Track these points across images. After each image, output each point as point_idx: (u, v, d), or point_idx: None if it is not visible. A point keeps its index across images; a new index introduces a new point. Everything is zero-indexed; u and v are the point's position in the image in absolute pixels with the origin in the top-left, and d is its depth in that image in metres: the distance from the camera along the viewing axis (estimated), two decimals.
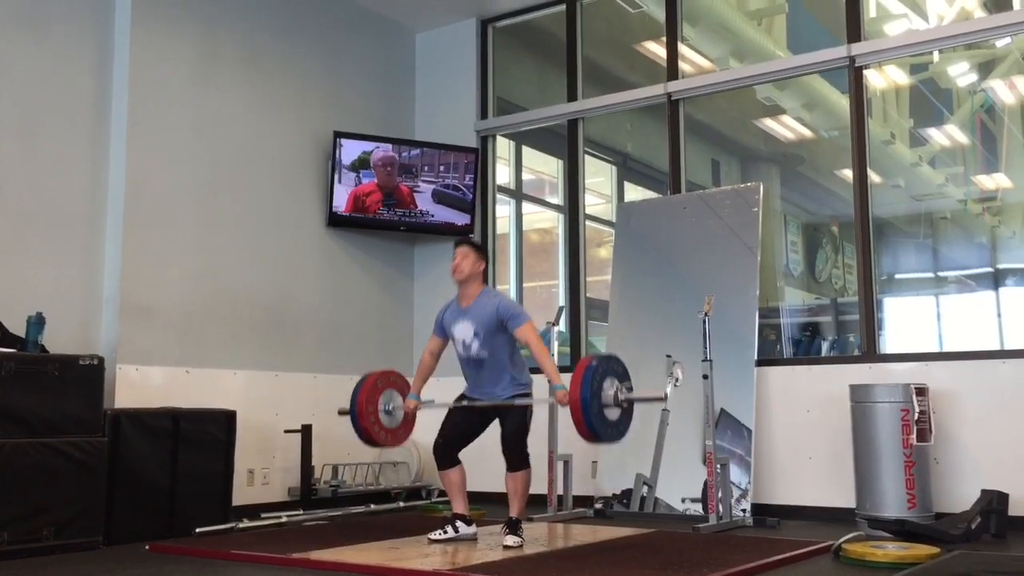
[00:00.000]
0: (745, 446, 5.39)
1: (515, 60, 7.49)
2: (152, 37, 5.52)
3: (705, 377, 5.06)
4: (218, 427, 5.05)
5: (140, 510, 4.66)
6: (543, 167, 8.21)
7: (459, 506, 4.49)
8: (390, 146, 6.65)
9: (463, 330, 4.47)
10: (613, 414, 4.16)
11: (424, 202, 6.70)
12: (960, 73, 6.97)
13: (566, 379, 4.18)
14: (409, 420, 4.83)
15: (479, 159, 6.90)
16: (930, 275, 7.20)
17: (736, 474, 5.30)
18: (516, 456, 4.37)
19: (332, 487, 5.94)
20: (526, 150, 7.85)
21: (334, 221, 6.46)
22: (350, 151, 6.48)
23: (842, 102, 6.07)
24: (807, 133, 7.53)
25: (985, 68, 6.81)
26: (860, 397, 5.00)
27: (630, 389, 4.22)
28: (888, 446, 4.84)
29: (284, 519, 5.27)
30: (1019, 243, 7.09)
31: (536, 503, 5.03)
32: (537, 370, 4.43)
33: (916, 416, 4.81)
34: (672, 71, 6.40)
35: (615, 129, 7.84)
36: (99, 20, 5.42)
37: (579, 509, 5.65)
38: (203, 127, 5.77)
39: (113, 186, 5.35)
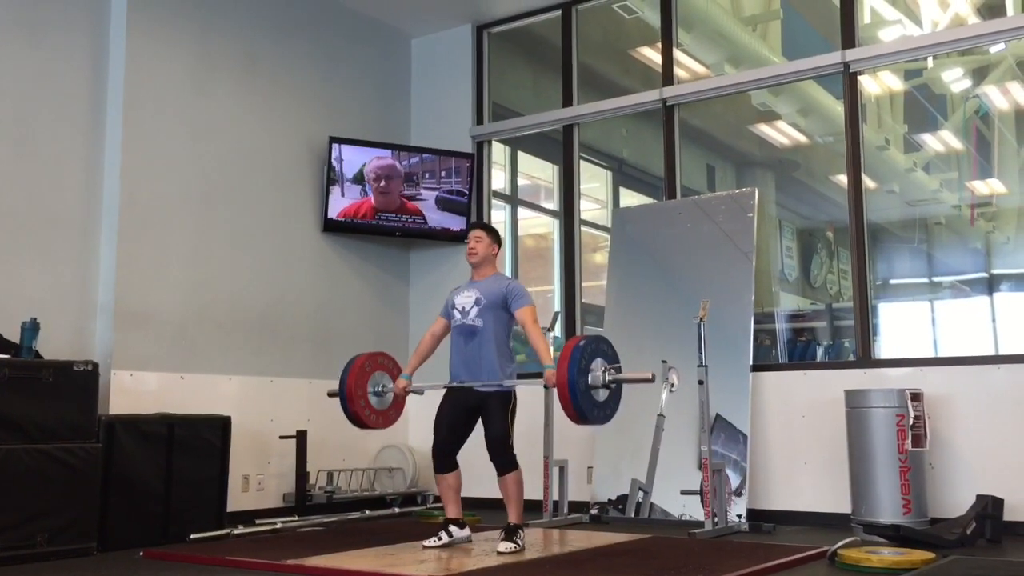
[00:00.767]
0: (740, 451, 5.40)
1: (511, 66, 7.50)
2: (147, 42, 5.52)
3: (700, 382, 5.06)
4: (213, 433, 5.04)
5: (134, 516, 4.65)
6: (539, 172, 8.22)
7: (452, 511, 4.49)
8: (389, 154, 6.65)
9: (465, 298, 4.52)
10: (601, 395, 4.16)
11: (428, 209, 6.71)
12: (954, 79, 6.98)
13: None
14: (399, 401, 4.84)
15: (474, 164, 6.91)
16: (925, 280, 7.20)
17: (732, 479, 5.29)
18: (502, 460, 4.37)
19: (327, 493, 5.93)
20: (522, 155, 7.86)
21: (329, 226, 6.45)
22: (352, 162, 6.47)
23: (837, 108, 6.09)
24: (802, 139, 7.54)
25: (979, 74, 6.83)
26: (855, 402, 5.01)
27: (619, 371, 4.22)
28: (883, 451, 4.84)
29: (279, 525, 5.26)
30: (1013, 248, 7.10)
31: (531, 509, 5.03)
32: (525, 375, 4.42)
33: (911, 421, 4.82)
34: (667, 77, 6.41)
35: (610, 134, 7.84)
36: (94, 25, 5.41)
37: (575, 515, 5.64)
38: (198, 132, 5.77)
39: (108, 191, 5.35)
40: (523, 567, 3.91)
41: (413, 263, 7.12)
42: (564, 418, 4.29)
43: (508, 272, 7.52)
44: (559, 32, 6.93)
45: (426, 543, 4.37)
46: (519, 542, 4.27)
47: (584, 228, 6.99)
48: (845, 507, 5.06)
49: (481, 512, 5.51)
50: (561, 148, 6.89)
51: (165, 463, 4.80)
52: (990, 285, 6.66)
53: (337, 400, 4.77)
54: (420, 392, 4.83)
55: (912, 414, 4.81)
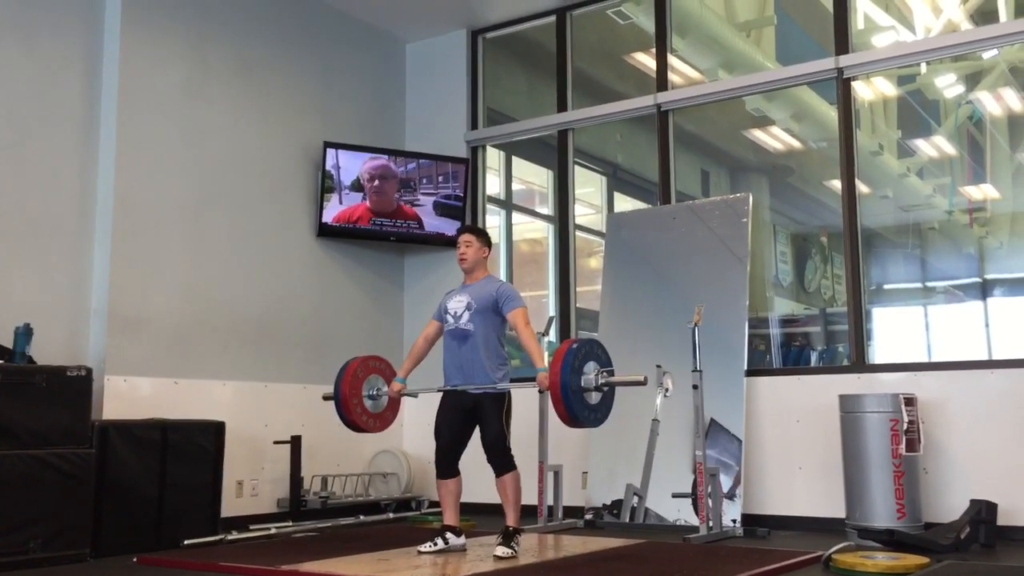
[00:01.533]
0: (735, 456, 5.40)
1: (505, 71, 7.51)
2: (142, 47, 5.52)
3: (695, 387, 5.07)
4: (207, 438, 5.03)
5: (128, 522, 4.63)
6: (533, 177, 8.22)
7: (450, 518, 4.48)
8: (384, 157, 6.65)
9: (457, 302, 4.54)
10: (593, 398, 4.17)
11: (427, 215, 6.71)
12: (947, 85, 7.00)
13: None
14: (394, 404, 4.83)
15: (469, 169, 6.91)
16: (918, 285, 7.22)
17: (725, 484, 5.30)
18: (500, 460, 4.37)
19: (321, 498, 5.92)
20: (516, 160, 7.86)
21: (324, 231, 6.45)
22: (349, 170, 6.47)
23: (831, 113, 6.10)
24: (796, 144, 7.56)
25: (972, 80, 6.85)
26: (849, 407, 5.01)
27: (611, 374, 4.23)
28: (877, 456, 4.85)
29: (273, 531, 5.25)
30: (1006, 253, 7.12)
31: (526, 514, 5.03)
32: (519, 380, 4.42)
33: (905, 426, 4.82)
34: (662, 82, 6.43)
35: (605, 140, 7.85)
36: (88, 30, 5.41)
37: (569, 520, 5.64)
38: (192, 137, 5.76)
39: (102, 197, 5.34)
40: (518, 572, 3.91)
41: (408, 268, 7.12)
42: (559, 423, 4.29)
43: (503, 277, 7.52)
44: (554, 37, 6.94)
45: (421, 548, 4.36)
46: (515, 547, 4.27)
47: (579, 233, 7.00)
48: (839, 512, 5.06)
49: (477, 518, 5.50)
50: (556, 153, 6.90)
51: (159, 468, 4.79)
52: (983, 290, 6.68)
53: (332, 405, 4.76)
54: (414, 395, 4.83)
55: (906, 419, 4.82)
